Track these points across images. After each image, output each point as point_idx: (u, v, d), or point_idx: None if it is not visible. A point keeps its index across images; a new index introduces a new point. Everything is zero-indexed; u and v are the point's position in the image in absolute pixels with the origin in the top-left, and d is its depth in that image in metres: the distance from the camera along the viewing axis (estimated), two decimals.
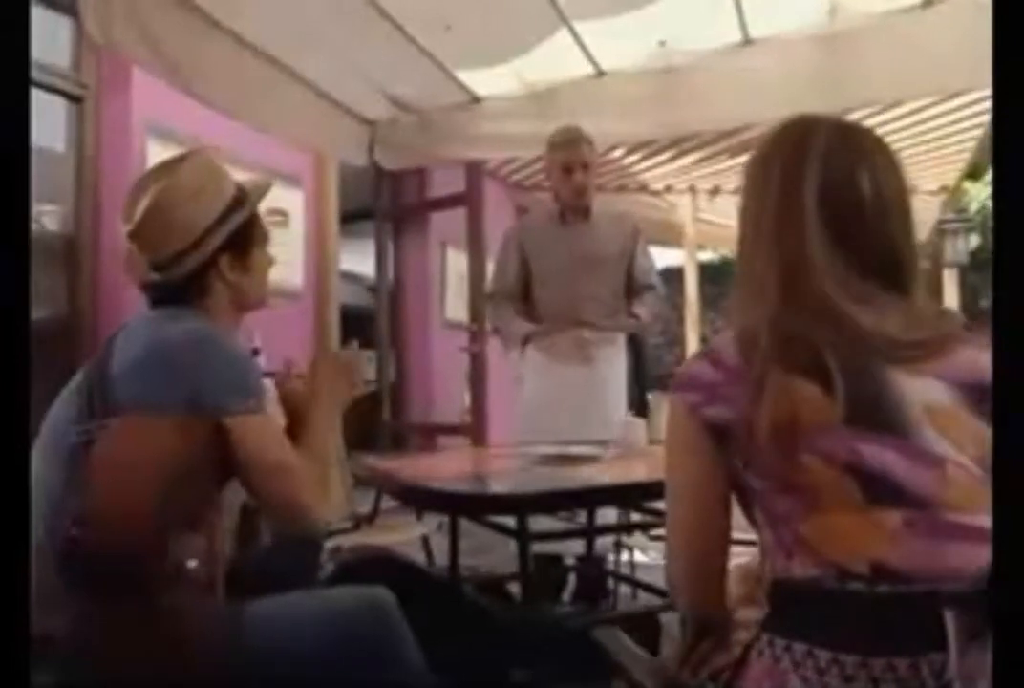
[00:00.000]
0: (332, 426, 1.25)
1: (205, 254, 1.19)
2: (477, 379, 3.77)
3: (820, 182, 0.81)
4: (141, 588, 1.01)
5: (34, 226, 2.51)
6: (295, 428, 1.25)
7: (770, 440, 0.73)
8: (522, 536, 1.38)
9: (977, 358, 0.76)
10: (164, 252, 1.18)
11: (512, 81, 2.86)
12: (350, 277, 5.41)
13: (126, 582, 1.00)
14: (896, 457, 0.71)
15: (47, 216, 2.55)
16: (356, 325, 4.66)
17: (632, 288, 2.53)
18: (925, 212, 5.23)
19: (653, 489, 1.17)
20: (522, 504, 1.28)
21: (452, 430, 4.35)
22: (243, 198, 1.26)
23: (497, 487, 1.46)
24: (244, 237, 1.25)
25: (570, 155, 2.44)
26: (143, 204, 1.17)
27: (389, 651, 1.11)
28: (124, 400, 1.07)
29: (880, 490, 0.71)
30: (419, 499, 1.44)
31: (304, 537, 1.47)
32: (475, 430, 3.77)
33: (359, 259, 5.02)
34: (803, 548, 0.73)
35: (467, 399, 4.03)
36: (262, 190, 1.30)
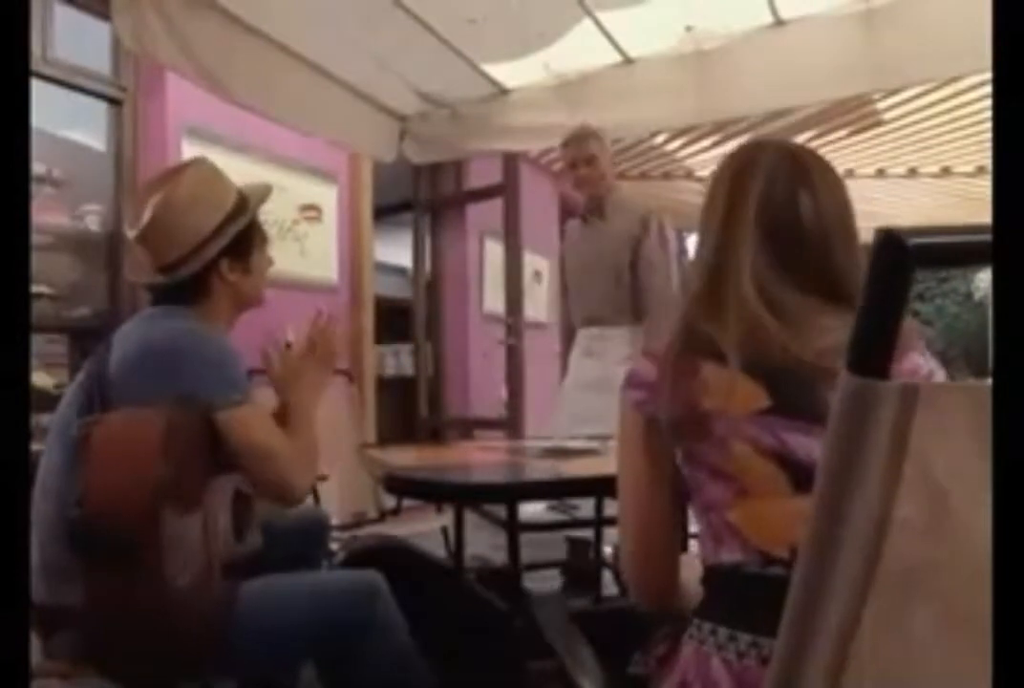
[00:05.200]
0: (311, 408, 1.31)
1: (207, 258, 1.25)
2: (514, 373, 3.76)
3: (761, 199, 0.83)
4: (138, 566, 1.06)
5: (78, 225, 2.63)
6: (282, 409, 1.32)
7: (673, 424, 0.77)
8: (511, 525, 1.41)
9: (913, 359, 0.77)
10: (168, 257, 1.24)
11: (540, 72, 2.83)
12: (393, 269, 5.46)
13: (124, 560, 1.05)
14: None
15: (90, 215, 2.66)
16: (400, 317, 4.72)
17: (638, 286, 2.44)
18: None
19: None
20: (497, 493, 1.34)
21: (489, 424, 4.31)
22: (244, 204, 1.31)
23: (473, 478, 1.48)
24: (245, 241, 1.31)
25: (573, 151, 2.52)
26: (147, 212, 1.23)
27: (374, 630, 1.16)
28: (118, 397, 1.14)
29: (806, 478, 0.70)
30: (399, 488, 1.48)
31: (311, 521, 1.53)
32: (512, 424, 3.76)
33: (402, 251, 5.07)
34: (731, 534, 0.76)
35: (504, 393, 4.03)
36: (262, 196, 1.34)
